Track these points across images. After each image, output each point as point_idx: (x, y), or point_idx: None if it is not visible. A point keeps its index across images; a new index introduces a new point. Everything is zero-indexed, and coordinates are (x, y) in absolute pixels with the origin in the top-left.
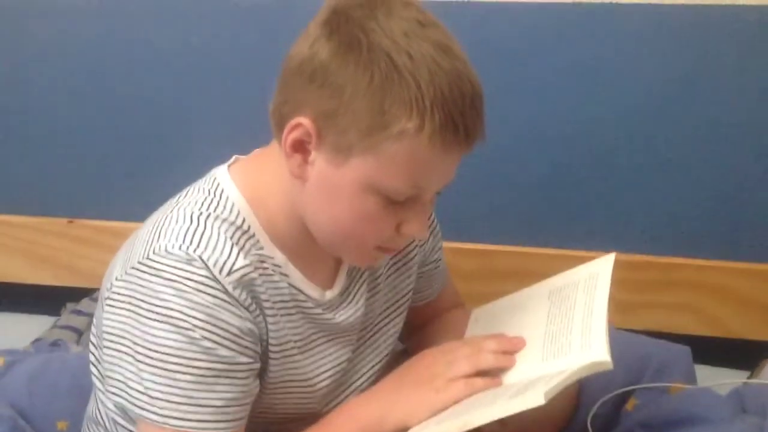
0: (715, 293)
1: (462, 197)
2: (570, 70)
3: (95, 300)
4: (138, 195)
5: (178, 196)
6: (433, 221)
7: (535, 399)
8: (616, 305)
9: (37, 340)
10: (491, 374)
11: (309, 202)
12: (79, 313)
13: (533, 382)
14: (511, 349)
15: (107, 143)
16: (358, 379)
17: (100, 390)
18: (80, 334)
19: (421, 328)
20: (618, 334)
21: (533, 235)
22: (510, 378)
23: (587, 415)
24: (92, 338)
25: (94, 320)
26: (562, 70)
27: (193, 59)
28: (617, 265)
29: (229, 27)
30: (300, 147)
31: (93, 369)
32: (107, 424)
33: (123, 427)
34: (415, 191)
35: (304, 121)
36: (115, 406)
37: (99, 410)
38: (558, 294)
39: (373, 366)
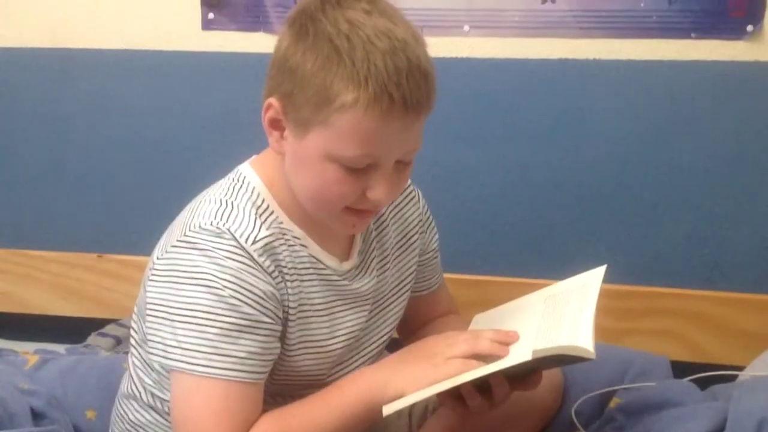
0: (695, 320)
1: (459, 234)
2: (557, 121)
3: (121, 325)
4: (162, 232)
5: (207, 189)
6: (428, 216)
7: (523, 355)
8: (602, 332)
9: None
10: (486, 360)
11: (289, 173)
12: (104, 335)
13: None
14: (506, 340)
15: (134, 186)
16: (368, 347)
17: (139, 368)
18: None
19: (418, 330)
20: (603, 345)
21: (526, 268)
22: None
23: (572, 409)
24: (134, 324)
25: (136, 308)
26: (549, 120)
27: (212, 115)
28: (604, 294)
29: (239, 88)
30: (275, 124)
31: (134, 351)
32: (144, 396)
33: (159, 398)
34: (371, 159)
35: (273, 101)
36: (160, 366)
37: (136, 386)
38: (552, 299)
39: (381, 336)
